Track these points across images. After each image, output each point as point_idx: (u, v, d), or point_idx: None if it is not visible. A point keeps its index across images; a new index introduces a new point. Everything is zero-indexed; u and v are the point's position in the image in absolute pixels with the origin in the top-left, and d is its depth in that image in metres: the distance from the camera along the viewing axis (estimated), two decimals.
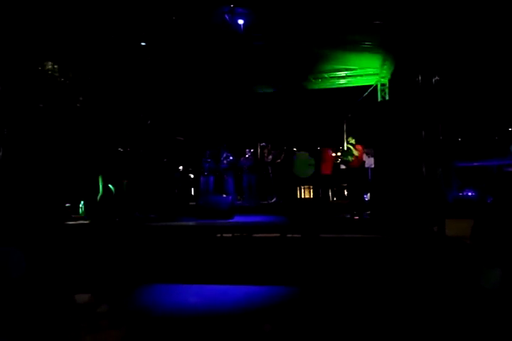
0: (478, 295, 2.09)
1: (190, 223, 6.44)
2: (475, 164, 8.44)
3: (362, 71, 10.29)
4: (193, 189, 10.51)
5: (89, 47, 7.95)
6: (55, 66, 8.00)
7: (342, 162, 8.45)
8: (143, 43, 8.23)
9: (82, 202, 7.70)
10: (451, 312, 3.56)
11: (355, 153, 7.45)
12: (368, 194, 7.66)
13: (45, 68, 7.90)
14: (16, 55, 6.96)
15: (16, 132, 6.75)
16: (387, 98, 10.15)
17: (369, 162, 7.98)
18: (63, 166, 7.17)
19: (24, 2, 6.49)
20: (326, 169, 8.52)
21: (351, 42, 8.50)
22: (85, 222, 6.43)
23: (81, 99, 8.66)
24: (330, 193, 10.75)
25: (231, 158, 9.41)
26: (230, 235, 5.72)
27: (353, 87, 10.68)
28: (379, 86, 10.36)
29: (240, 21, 7.72)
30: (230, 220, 6.80)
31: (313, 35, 8.26)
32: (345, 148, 8.52)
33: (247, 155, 9.80)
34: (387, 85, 10.21)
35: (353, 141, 8.30)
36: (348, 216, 7.09)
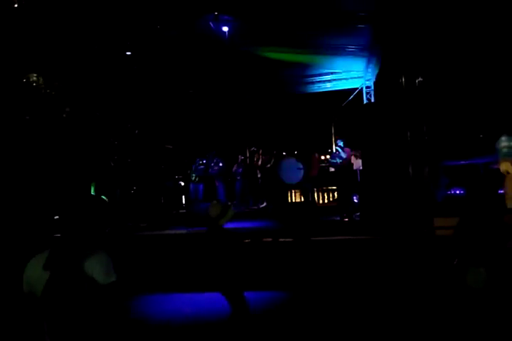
0: (464, 293, 2.12)
1: (181, 231, 6.41)
2: (462, 162, 8.50)
3: (347, 74, 10.40)
4: (183, 197, 10.47)
5: (74, 58, 7.93)
6: (40, 78, 7.96)
7: (331, 164, 8.48)
8: (128, 53, 8.23)
9: None
10: (444, 311, 3.58)
11: (343, 155, 7.50)
12: (357, 196, 7.70)
13: (30, 80, 7.85)
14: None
15: (2, 145, 6.69)
16: (372, 100, 10.24)
17: (357, 164, 8.03)
18: (51, 178, 7.10)
19: (6, 14, 6.47)
20: (314, 171, 8.56)
21: (336, 46, 8.59)
22: None
23: (67, 110, 8.61)
24: (320, 196, 10.80)
25: (221, 164, 9.40)
26: None
27: (339, 90, 10.77)
28: (364, 89, 10.47)
29: (225, 28, 7.78)
30: None
31: (298, 39, 8.34)
32: (334, 151, 8.56)
33: (238, 161, 9.79)
34: (372, 88, 10.32)
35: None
36: (338, 218, 7.11)
